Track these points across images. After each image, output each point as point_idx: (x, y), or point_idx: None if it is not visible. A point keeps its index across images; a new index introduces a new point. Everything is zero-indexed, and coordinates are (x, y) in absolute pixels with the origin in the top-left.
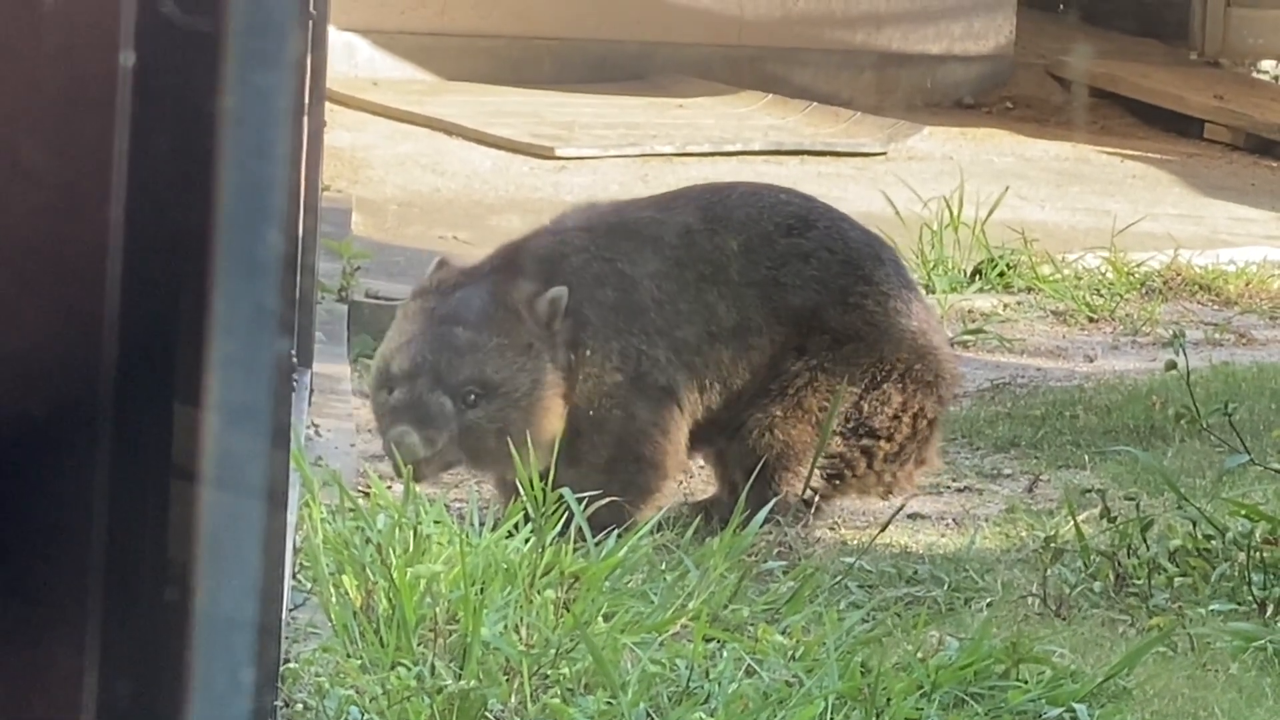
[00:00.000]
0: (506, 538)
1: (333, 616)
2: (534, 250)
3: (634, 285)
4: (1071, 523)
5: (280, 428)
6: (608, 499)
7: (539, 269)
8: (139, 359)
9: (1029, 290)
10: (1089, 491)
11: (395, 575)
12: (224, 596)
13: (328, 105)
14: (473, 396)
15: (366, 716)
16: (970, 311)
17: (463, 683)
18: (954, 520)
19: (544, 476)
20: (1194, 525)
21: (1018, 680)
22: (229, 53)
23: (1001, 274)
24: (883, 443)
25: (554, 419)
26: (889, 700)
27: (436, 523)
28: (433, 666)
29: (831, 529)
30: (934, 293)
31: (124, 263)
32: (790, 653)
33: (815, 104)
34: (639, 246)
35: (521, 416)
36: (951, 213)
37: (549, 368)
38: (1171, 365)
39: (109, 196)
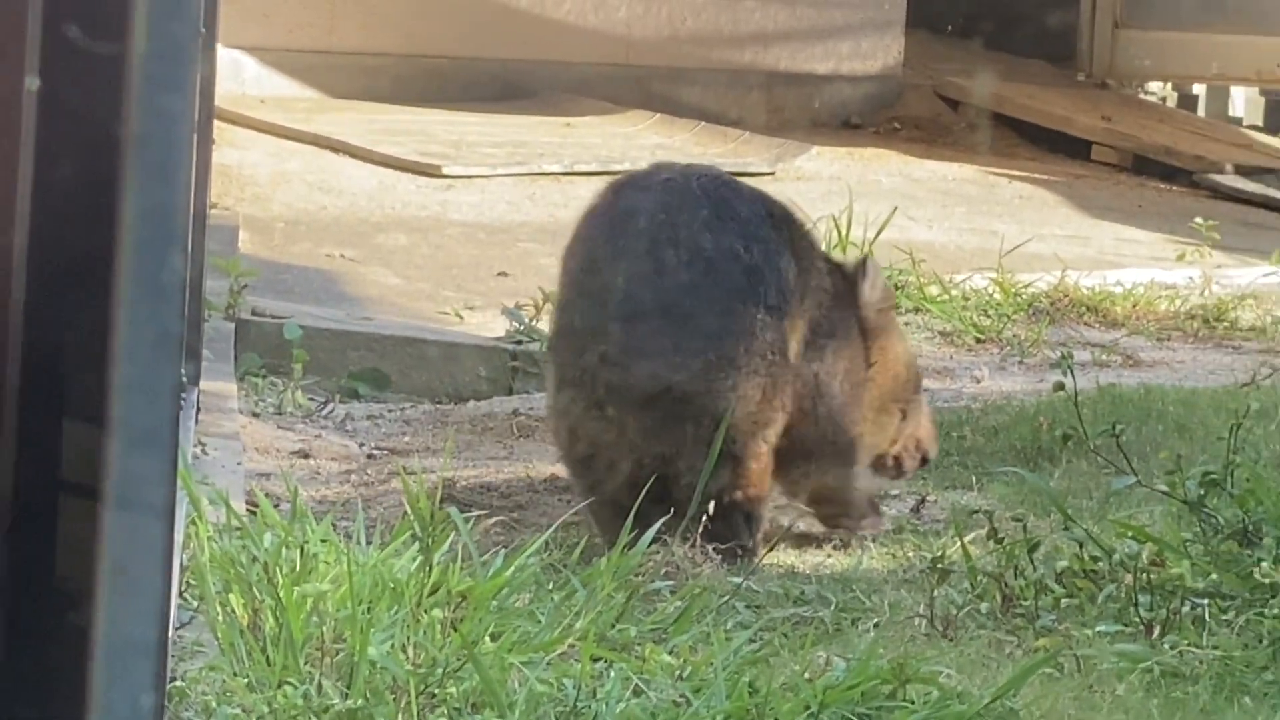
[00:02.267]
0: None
1: (219, 635)
2: None
3: None
4: (958, 543)
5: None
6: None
7: None
8: (41, 383)
9: (916, 311)
10: (976, 512)
11: (282, 594)
12: (125, 620)
13: (215, 123)
14: None
15: None
16: None
17: (349, 702)
18: (841, 541)
19: None
20: (1081, 546)
21: (905, 701)
22: (133, 76)
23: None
24: None
25: None
26: None
27: (323, 541)
28: (319, 685)
29: (719, 549)
30: None
31: (27, 287)
32: (677, 672)
33: (703, 123)
34: None
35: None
36: (839, 233)
37: None
38: (1059, 386)
39: (13, 221)
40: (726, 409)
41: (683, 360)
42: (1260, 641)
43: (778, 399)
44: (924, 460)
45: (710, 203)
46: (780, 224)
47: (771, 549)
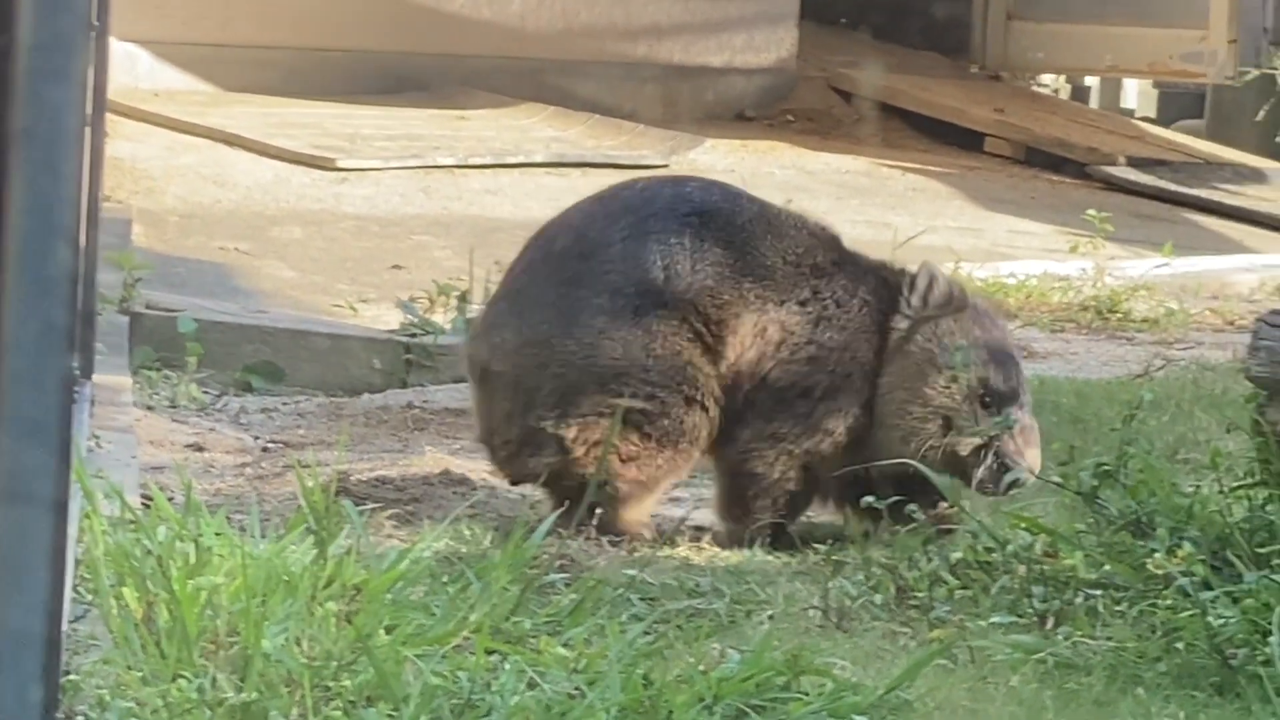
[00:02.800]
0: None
1: (114, 629)
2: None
3: None
4: (853, 536)
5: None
6: None
7: None
8: None
9: None
10: (870, 505)
11: (176, 587)
12: (11, 613)
13: (108, 116)
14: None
15: None
16: None
17: (244, 695)
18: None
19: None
20: (975, 538)
21: (799, 693)
22: (19, 68)
23: None
24: None
25: None
26: (670, 713)
27: (218, 535)
28: (214, 679)
29: (614, 542)
30: None
31: None
32: (572, 665)
33: (597, 116)
34: None
35: None
36: None
37: None
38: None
39: None
40: (553, 392)
41: (515, 341)
42: (1153, 632)
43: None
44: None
45: (643, 202)
46: (707, 226)
47: (667, 542)
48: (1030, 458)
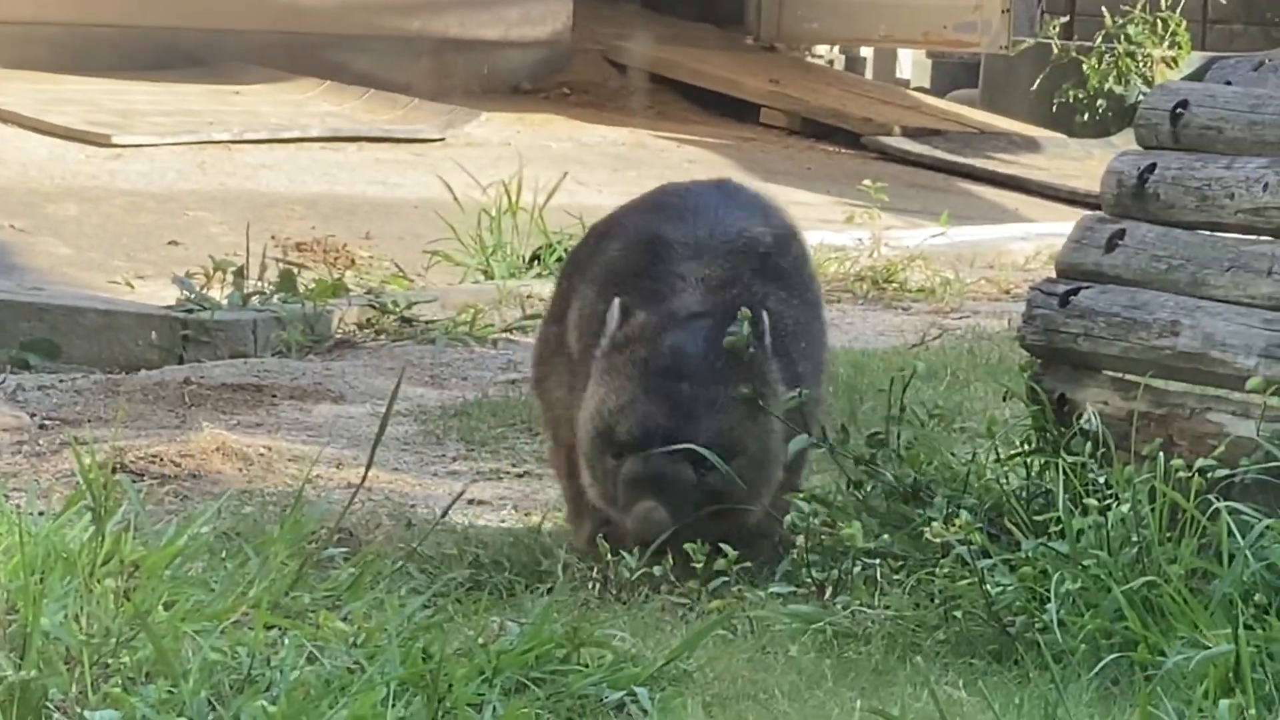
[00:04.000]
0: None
1: None
2: (709, 281)
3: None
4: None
5: None
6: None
7: (725, 302)
8: None
9: None
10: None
11: None
12: None
13: None
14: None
15: None
16: (529, 297)
17: (23, 673)
18: (515, 505)
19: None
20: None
21: (579, 665)
22: None
23: (560, 259)
24: None
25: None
26: (450, 686)
27: None
28: None
29: (392, 514)
30: (493, 279)
31: None
32: (351, 639)
33: (373, 91)
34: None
35: (758, 471)
36: (510, 198)
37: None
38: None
39: None
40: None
41: None
42: (931, 601)
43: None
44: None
45: None
46: (602, 238)
47: (445, 515)
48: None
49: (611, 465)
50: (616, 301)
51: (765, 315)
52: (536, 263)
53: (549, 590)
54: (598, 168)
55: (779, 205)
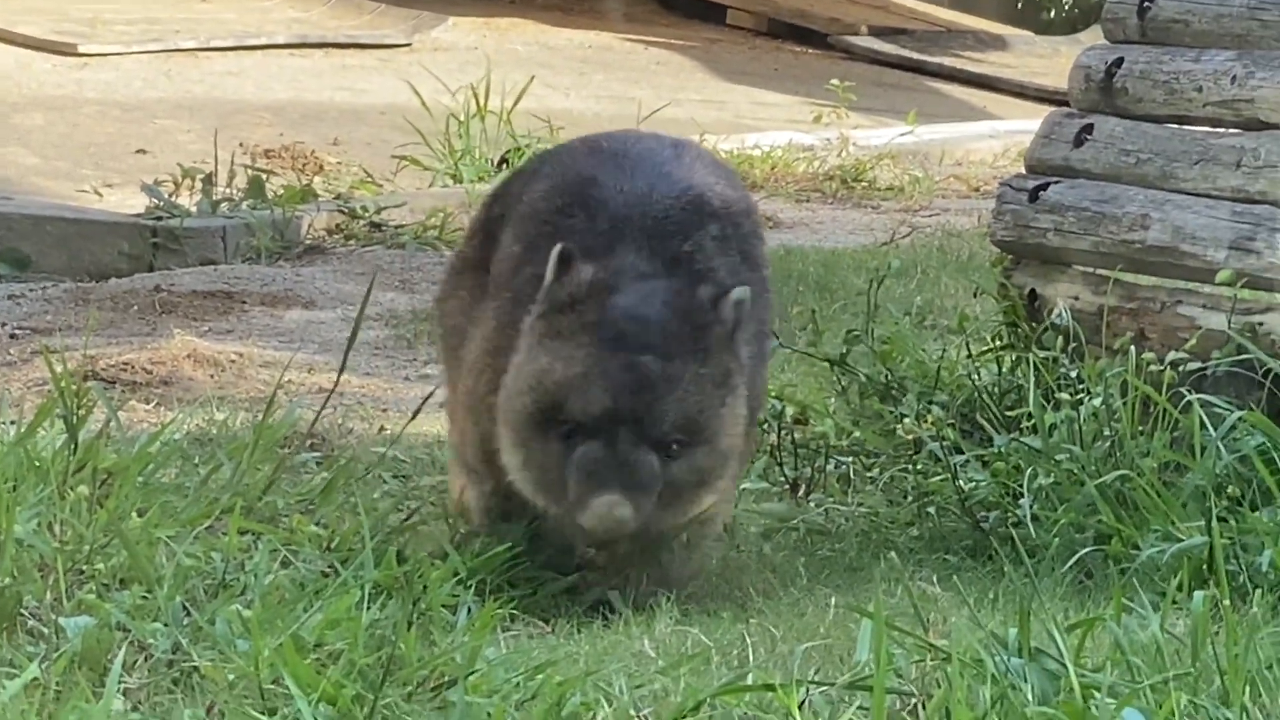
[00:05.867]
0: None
1: None
2: (665, 232)
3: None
4: None
5: None
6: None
7: (688, 260)
8: None
9: None
10: None
11: None
12: None
13: None
14: (675, 446)
15: None
16: None
17: None
18: None
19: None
20: None
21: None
22: None
23: None
24: None
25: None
26: (425, 588)
27: None
28: None
29: (364, 419)
30: (461, 182)
31: None
32: (325, 543)
33: None
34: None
35: (722, 461)
36: (478, 103)
37: (742, 394)
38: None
39: None
40: None
41: None
42: (905, 497)
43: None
44: None
45: None
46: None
47: (414, 418)
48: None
49: (556, 449)
50: (558, 249)
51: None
52: (505, 166)
53: None
54: (565, 71)
55: (736, 174)
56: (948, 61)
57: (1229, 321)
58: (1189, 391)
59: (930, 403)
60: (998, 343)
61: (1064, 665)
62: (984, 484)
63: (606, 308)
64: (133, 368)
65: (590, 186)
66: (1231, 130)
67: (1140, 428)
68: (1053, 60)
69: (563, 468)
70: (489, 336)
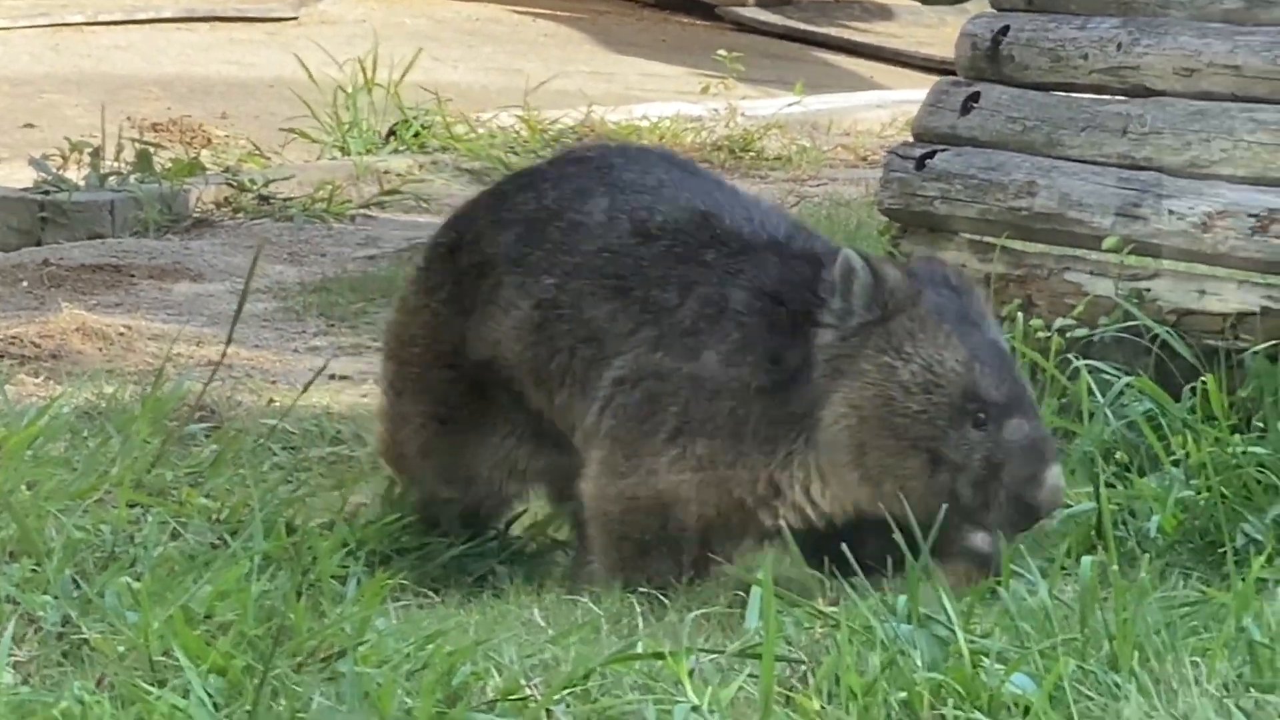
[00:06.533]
0: None
1: None
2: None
3: None
4: None
5: None
6: None
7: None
8: None
9: (444, 150)
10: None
11: None
12: None
13: None
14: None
15: None
16: (386, 173)
17: None
18: (375, 380)
19: None
20: None
21: (443, 537)
22: None
23: (417, 135)
24: None
25: None
26: (314, 559)
27: None
28: None
29: (253, 391)
30: (350, 155)
31: None
32: (214, 515)
33: None
34: None
35: None
36: (366, 75)
37: None
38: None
39: None
40: None
41: None
42: None
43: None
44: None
45: None
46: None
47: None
48: (1051, 481)
49: (975, 437)
50: (850, 257)
51: None
52: (393, 138)
53: None
54: (453, 43)
55: None
56: (834, 32)
57: (1116, 288)
58: (1077, 358)
59: None
60: None
61: (953, 631)
62: None
63: (935, 299)
64: (21, 341)
65: (683, 212)
66: (1117, 97)
67: None
68: (939, 30)
69: (972, 456)
70: (729, 381)
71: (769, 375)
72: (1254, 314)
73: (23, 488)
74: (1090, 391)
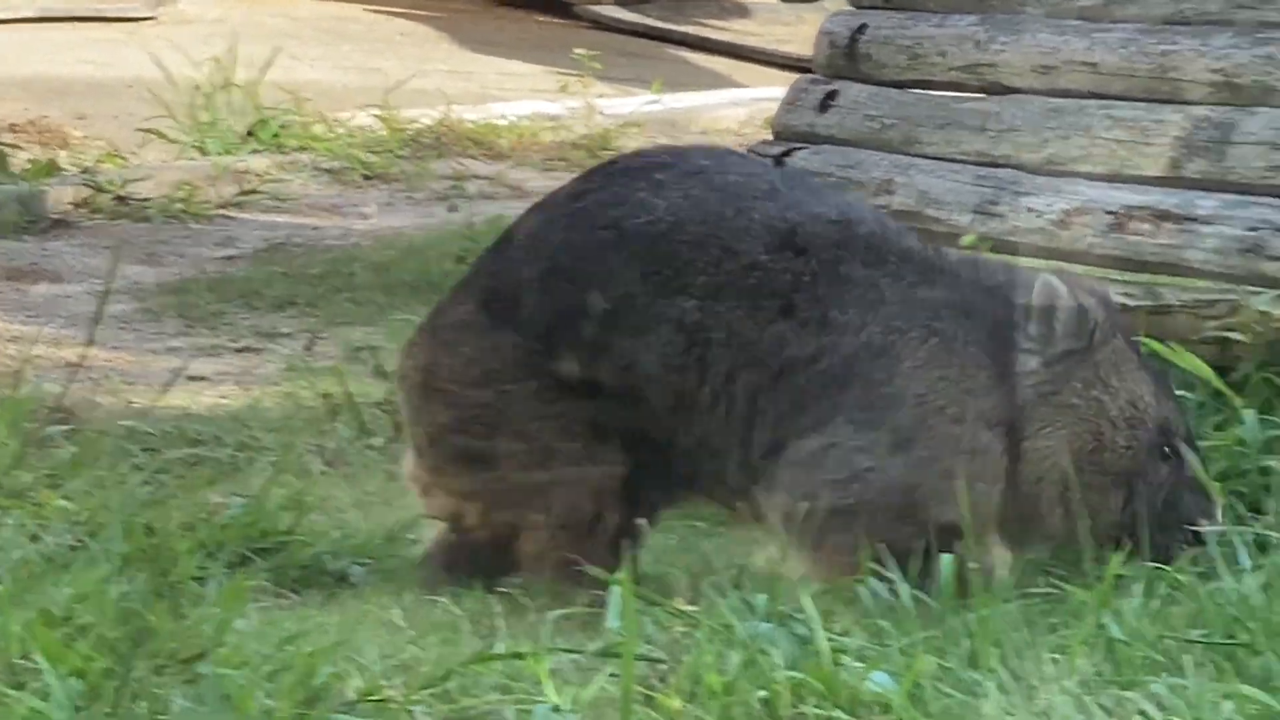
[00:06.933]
0: None
1: None
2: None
3: None
4: (355, 380)
5: None
6: None
7: None
8: None
9: (303, 150)
10: (363, 348)
11: None
12: None
13: None
14: None
15: None
16: (245, 172)
17: None
18: (235, 380)
19: None
20: None
21: (301, 536)
22: None
23: (275, 135)
24: None
25: None
26: (175, 561)
27: None
28: None
29: (112, 392)
30: (208, 155)
31: None
32: (74, 517)
33: None
34: None
35: None
36: (224, 75)
37: None
38: (454, 209)
39: None
40: None
41: None
42: None
43: None
44: None
45: None
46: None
47: (165, 391)
48: (1217, 512)
49: (1164, 470)
50: (1052, 280)
51: None
52: (252, 138)
53: (271, 464)
54: (311, 42)
55: None
56: (692, 30)
57: None
58: None
59: None
60: None
61: (812, 630)
62: None
63: (1124, 337)
64: None
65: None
66: (975, 95)
67: None
68: (797, 28)
69: (1161, 489)
70: (978, 399)
71: (975, 397)
72: None
73: None
74: None
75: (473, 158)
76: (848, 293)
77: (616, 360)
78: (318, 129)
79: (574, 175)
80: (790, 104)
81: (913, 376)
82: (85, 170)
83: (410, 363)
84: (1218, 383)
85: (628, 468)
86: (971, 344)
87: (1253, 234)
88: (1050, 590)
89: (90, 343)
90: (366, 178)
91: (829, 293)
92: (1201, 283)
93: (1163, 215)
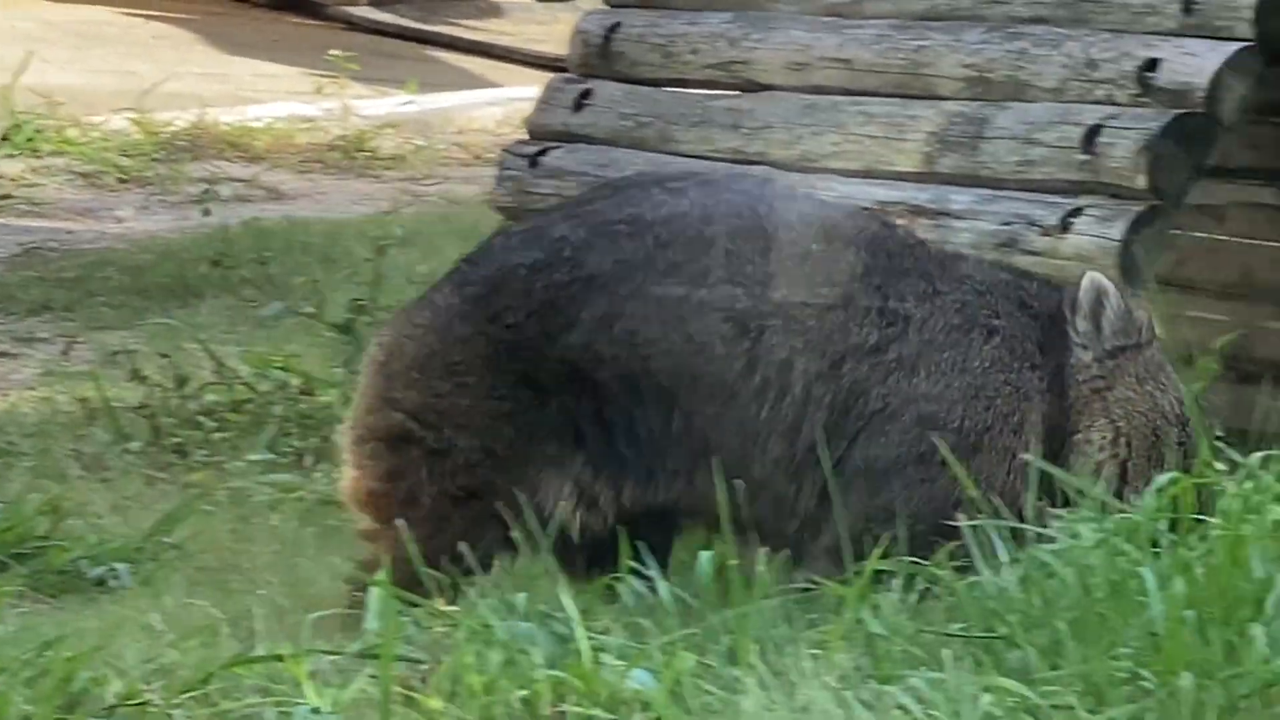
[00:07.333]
0: None
1: None
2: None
3: None
4: (112, 385)
5: None
6: None
7: None
8: None
9: (57, 154)
10: (120, 352)
11: None
12: None
13: None
14: None
15: None
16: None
17: None
18: None
19: None
20: (228, 381)
21: (60, 541)
22: None
23: (30, 139)
24: None
25: None
26: None
27: None
28: None
29: None
30: None
31: None
32: None
33: None
34: None
35: None
36: None
37: None
38: (206, 212)
39: None
40: None
41: None
42: None
43: None
44: None
45: None
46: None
47: None
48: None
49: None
50: (1100, 278)
51: None
52: (5, 142)
53: (28, 469)
54: (63, 46)
55: None
56: (447, 30)
57: None
58: None
59: None
60: None
61: (572, 628)
62: None
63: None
64: None
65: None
66: (729, 92)
67: None
68: (552, 27)
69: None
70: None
71: (1031, 388)
72: None
73: None
74: None
75: (228, 160)
76: (907, 288)
77: (620, 349)
78: (72, 133)
79: (331, 177)
80: (545, 103)
81: (979, 376)
82: None
83: (377, 342)
84: None
85: (576, 471)
86: (1028, 340)
87: (1007, 228)
88: (808, 586)
89: None
90: (121, 181)
91: (886, 283)
92: None
93: (917, 210)
